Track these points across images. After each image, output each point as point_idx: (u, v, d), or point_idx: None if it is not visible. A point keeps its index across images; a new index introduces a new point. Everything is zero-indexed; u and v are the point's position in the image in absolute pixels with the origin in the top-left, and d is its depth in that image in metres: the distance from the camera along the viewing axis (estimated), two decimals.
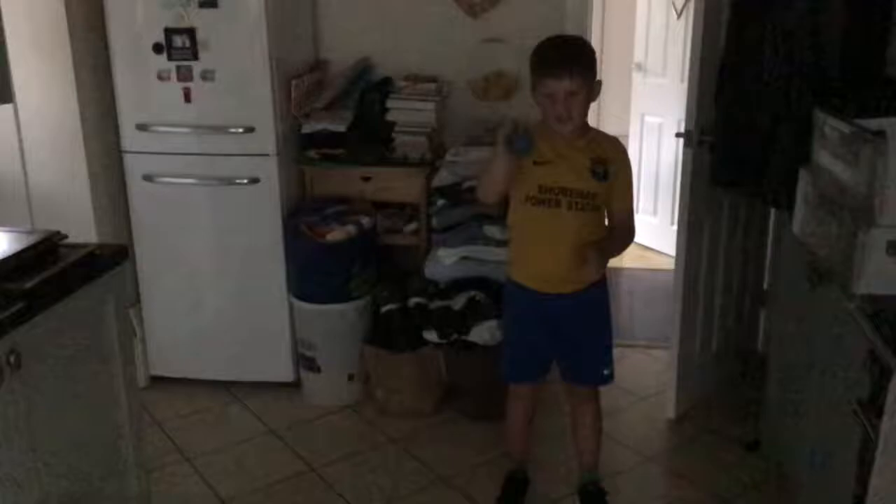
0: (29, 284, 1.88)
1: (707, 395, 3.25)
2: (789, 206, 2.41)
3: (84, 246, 2.19)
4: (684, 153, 2.95)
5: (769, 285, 3.49)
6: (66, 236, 2.15)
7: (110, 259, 2.21)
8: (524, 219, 2.35)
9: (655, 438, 3.07)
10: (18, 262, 1.93)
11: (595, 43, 4.11)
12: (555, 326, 2.42)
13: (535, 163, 2.26)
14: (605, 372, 2.49)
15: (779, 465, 2.66)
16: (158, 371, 3.36)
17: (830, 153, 2.14)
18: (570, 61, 2.20)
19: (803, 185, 2.28)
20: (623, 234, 2.39)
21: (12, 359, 1.75)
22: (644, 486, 2.81)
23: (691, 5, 4.14)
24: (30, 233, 2.11)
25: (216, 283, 3.27)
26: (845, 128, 2.06)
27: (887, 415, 1.56)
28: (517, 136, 2.15)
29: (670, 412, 3.13)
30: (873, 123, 2.04)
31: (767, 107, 2.71)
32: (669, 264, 3.26)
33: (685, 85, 2.99)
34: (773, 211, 3.24)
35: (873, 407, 1.69)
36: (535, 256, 2.37)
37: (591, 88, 2.24)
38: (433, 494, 2.73)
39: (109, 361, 2.24)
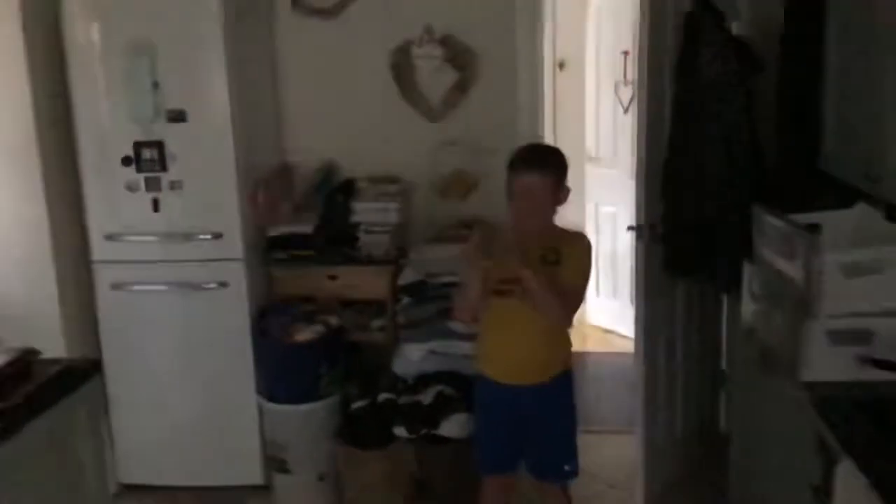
0: (3, 405, 1.91)
1: (676, 479, 3.30)
2: (739, 294, 2.54)
3: (57, 361, 2.24)
4: (636, 245, 3.09)
5: (727, 367, 3.60)
6: (39, 353, 2.19)
7: (83, 373, 2.26)
8: (488, 312, 2.45)
9: None
10: None
11: (548, 137, 4.33)
12: (521, 419, 2.49)
13: (496, 263, 2.35)
14: (567, 468, 2.55)
15: None
16: (128, 479, 3.33)
17: (770, 247, 2.29)
18: (539, 160, 2.39)
19: (748, 278, 2.42)
20: (566, 297, 2.38)
21: None
22: None
23: (636, 101, 4.39)
24: (3, 351, 2.14)
25: (185, 388, 3.29)
26: (781, 224, 2.21)
27: (837, 496, 1.64)
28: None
29: (639, 500, 3.18)
30: (809, 218, 2.21)
31: (711, 201, 2.88)
32: (632, 347, 3.34)
33: (634, 184, 3.14)
34: (725, 296, 3.38)
35: (826, 489, 1.78)
36: (497, 346, 2.49)
37: (559, 191, 2.38)
38: None
39: (82, 472, 2.26)
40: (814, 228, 2.09)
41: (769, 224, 2.28)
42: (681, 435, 3.37)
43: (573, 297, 2.43)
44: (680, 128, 3.00)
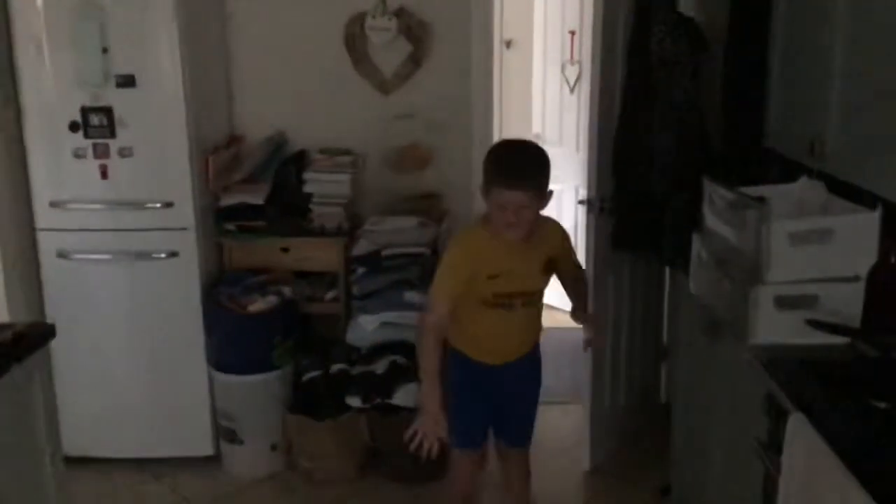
0: None
1: (620, 446, 3.42)
2: (685, 267, 2.64)
3: (10, 326, 2.19)
4: (587, 219, 3.17)
5: (668, 340, 3.73)
6: None
7: (37, 338, 2.21)
8: (477, 316, 2.36)
9: (572, 490, 3.21)
10: None
11: (496, 116, 4.37)
12: (497, 394, 2.49)
13: (488, 277, 2.28)
14: (532, 432, 2.63)
15: None
16: (73, 451, 3.24)
17: (719, 218, 2.38)
18: (526, 175, 2.20)
19: (696, 248, 2.51)
20: (582, 275, 2.60)
21: None
22: None
23: (583, 81, 4.47)
24: None
25: (133, 359, 3.25)
26: (731, 196, 2.31)
27: (786, 447, 1.74)
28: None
29: (586, 464, 3.28)
30: (756, 191, 2.31)
31: (660, 177, 2.97)
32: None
33: (580, 154, 3.23)
34: (667, 270, 3.50)
35: (772, 445, 1.88)
36: (486, 344, 2.44)
37: (542, 199, 2.27)
38: None
39: (36, 439, 2.22)
40: (761, 199, 2.19)
41: (719, 195, 2.37)
42: (624, 403, 3.49)
43: (584, 278, 2.60)
44: (629, 105, 3.08)
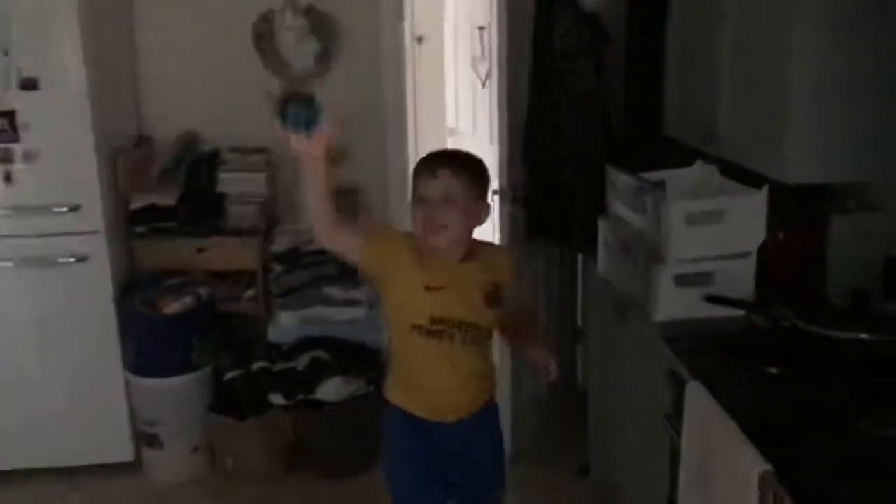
0: None
1: (539, 432, 3.52)
2: (594, 252, 2.74)
3: None
4: (501, 208, 3.25)
5: (582, 323, 3.85)
6: None
7: None
8: (409, 347, 2.01)
9: None
10: None
11: (410, 111, 4.43)
12: (441, 455, 2.07)
13: (426, 287, 1.94)
14: (499, 492, 2.21)
15: (607, 486, 2.95)
16: None
17: (623, 203, 2.50)
18: (450, 162, 1.97)
19: (603, 232, 2.62)
20: (531, 314, 2.23)
21: None
22: None
23: (493, 75, 4.56)
24: None
25: (46, 367, 3.17)
26: (633, 181, 2.42)
27: (685, 415, 1.85)
28: (289, 111, 1.77)
29: (507, 454, 3.35)
30: (655, 176, 2.43)
31: (567, 167, 3.08)
32: None
33: (494, 146, 3.31)
34: (580, 257, 3.61)
35: (677, 415, 1.99)
36: (422, 386, 2.05)
37: (475, 204, 1.96)
38: None
39: None
40: (660, 184, 2.30)
41: (621, 181, 2.49)
42: (544, 393, 3.58)
43: (532, 313, 2.24)
44: (536, 97, 3.17)
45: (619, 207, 2.54)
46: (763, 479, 1.48)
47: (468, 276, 1.97)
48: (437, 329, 1.95)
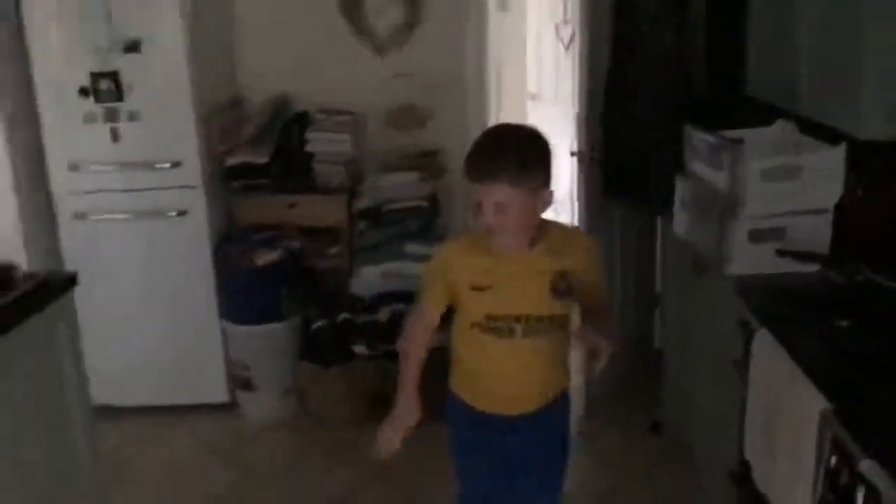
0: None
1: (614, 390, 3.57)
2: (670, 213, 2.76)
3: (35, 275, 2.34)
4: (578, 170, 3.30)
5: (661, 287, 3.86)
6: (19, 267, 2.30)
7: (61, 284, 2.37)
8: (471, 344, 1.95)
9: None
10: None
11: (492, 76, 4.49)
12: (506, 453, 2.00)
13: (473, 288, 1.87)
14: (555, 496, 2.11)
15: (678, 440, 3.00)
16: (96, 400, 3.43)
17: (700, 161, 2.52)
18: (499, 167, 1.76)
19: (680, 191, 2.65)
20: (606, 315, 1.94)
21: None
22: None
23: (577, 39, 4.58)
24: None
25: (150, 313, 3.40)
26: (711, 139, 2.44)
27: (753, 361, 1.89)
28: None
29: (580, 409, 3.43)
30: (734, 134, 2.44)
31: (646, 127, 3.09)
32: None
33: (574, 110, 3.35)
34: (658, 221, 3.62)
35: (745, 363, 2.03)
36: (485, 382, 1.99)
37: (536, 196, 1.79)
38: (376, 491, 2.96)
39: (64, 383, 2.39)
40: (738, 140, 2.32)
41: (699, 139, 2.51)
42: (619, 352, 3.62)
43: (609, 311, 2.01)
44: (617, 59, 3.19)
45: (696, 166, 2.56)
46: (823, 418, 1.52)
47: (530, 266, 1.86)
48: (495, 326, 1.88)
